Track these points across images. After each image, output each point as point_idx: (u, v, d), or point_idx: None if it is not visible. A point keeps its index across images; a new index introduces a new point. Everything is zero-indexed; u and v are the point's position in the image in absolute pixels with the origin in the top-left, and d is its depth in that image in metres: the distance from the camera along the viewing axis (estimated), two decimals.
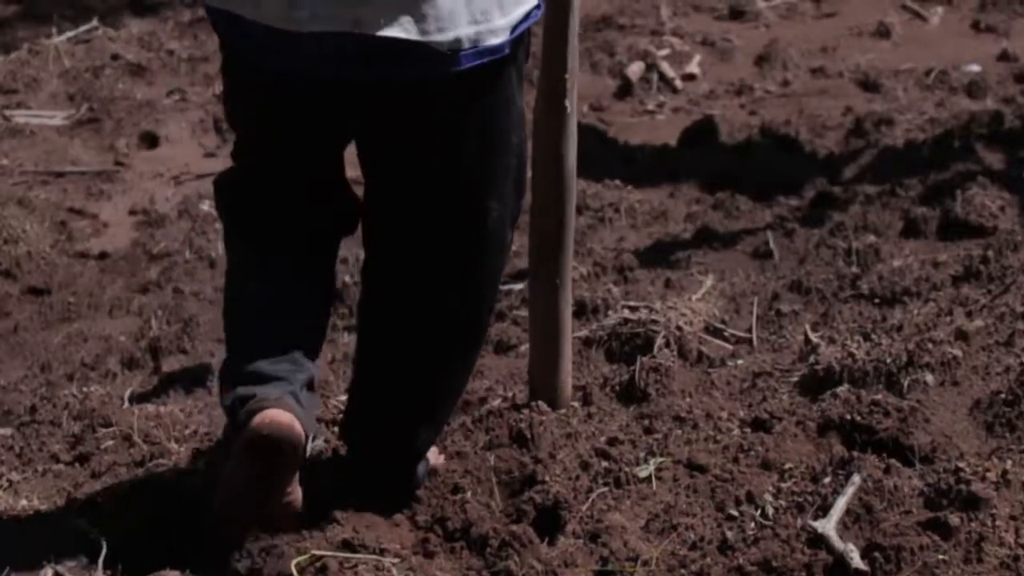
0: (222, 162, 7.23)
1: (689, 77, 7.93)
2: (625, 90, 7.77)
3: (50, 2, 9.52)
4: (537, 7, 2.75)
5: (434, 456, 3.08)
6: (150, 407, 4.13)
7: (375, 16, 2.56)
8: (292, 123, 2.77)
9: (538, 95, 3.40)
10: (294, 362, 2.77)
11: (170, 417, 3.78)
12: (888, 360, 3.25)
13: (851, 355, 3.31)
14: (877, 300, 4.23)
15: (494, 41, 2.66)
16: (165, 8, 9.33)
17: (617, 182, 6.55)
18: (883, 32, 8.34)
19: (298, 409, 2.67)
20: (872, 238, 4.96)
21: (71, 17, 9.00)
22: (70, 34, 8.40)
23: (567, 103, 3.38)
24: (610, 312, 4.30)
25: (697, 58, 8.08)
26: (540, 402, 3.19)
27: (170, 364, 4.99)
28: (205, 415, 4.02)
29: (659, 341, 3.77)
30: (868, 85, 7.65)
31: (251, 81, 2.78)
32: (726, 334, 4.01)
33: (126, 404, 4.09)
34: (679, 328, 3.84)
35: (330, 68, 2.63)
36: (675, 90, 7.79)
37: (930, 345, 3.24)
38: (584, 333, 3.98)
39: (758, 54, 8.10)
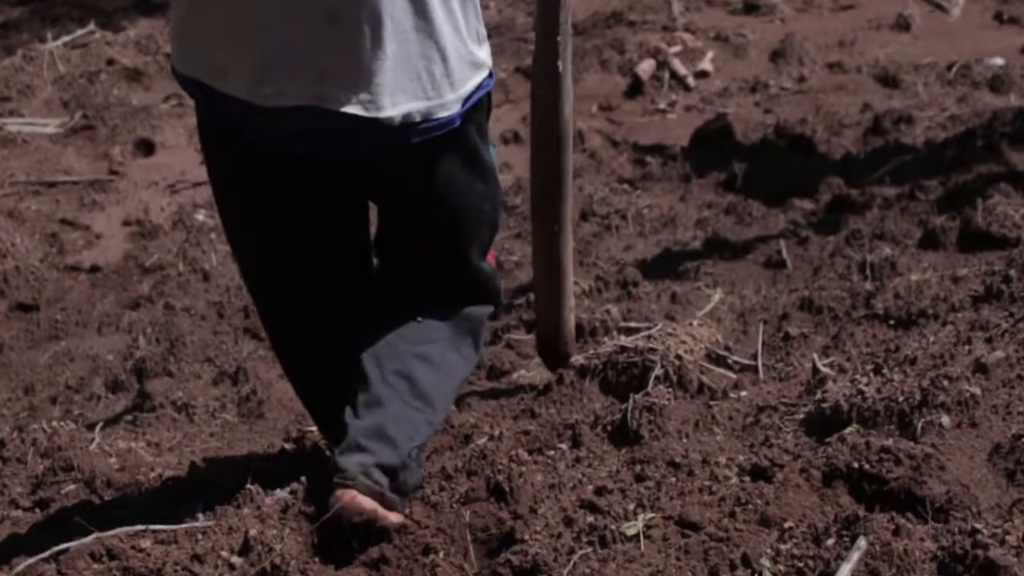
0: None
1: (702, 74, 7.69)
2: (635, 89, 7.54)
3: (57, 3, 9.32)
4: (489, 76, 2.90)
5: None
6: (121, 443, 3.93)
7: (335, 93, 2.71)
8: (270, 189, 2.88)
9: (535, 55, 3.63)
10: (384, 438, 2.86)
11: (136, 458, 3.56)
12: (900, 399, 2.99)
13: (860, 392, 3.06)
14: (892, 322, 3.98)
15: (444, 114, 2.80)
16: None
17: (625, 186, 6.33)
18: (903, 25, 8.09)
19: (381, 490, 2.76)
20: (888, 250, 4.71)
21: (78, 18, 8.80)
22: (66, 38, 8.19)
23: (559, 64, 3.53)
24: (608, 336, 4.07)
25: (710, 54, 7.84)
26: (520, 450, 2.95)
27: (154, 387, 4.78)
28: (176, 453, 3.82)
29: (657, 372, 3.54)
30: (887, 80, 7.40)
31: (228, 150, 2.88)
32: (730, 361, 3.77)
33: (96, 440, 3.87)
34: (678, 357, 3.60)
35: (294, 141, 2.77)
36: (687, 88, 7.56)
37: (945, 382, 2.99)
38: (579, 361, 3.74)
39: (773, 49, 7.87)
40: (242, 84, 2.71)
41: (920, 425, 2.93)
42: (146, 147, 7.10)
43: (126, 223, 6.52)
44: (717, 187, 6.32)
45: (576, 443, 3.17)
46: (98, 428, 4.00)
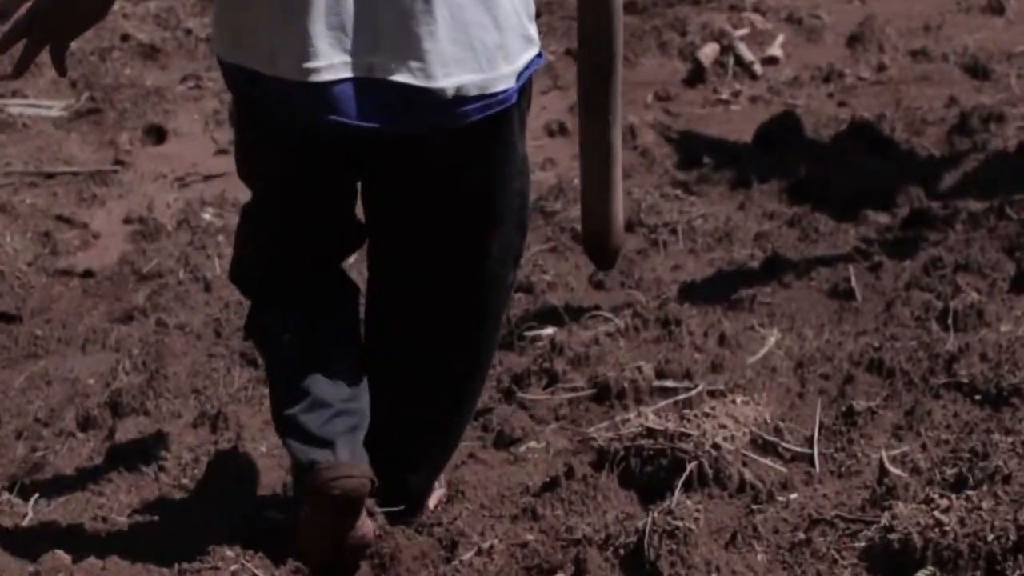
0: (234, 160, 6.44)
1: (770, 61, 7.02)
2: (696, 76, 6.88)
3: None
4: (539, 55, 2.82)
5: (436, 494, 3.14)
6: (60, 516, 3.37)
7: (386, 61, 2.63)
8: (310, 171, 2.82)
9: None
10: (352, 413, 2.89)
11: (56, 563, 2.94)
12: (989, 537, 2.35)
13: (939, 523, 2.41)
14: (978, 396, 3.30)
15: (499, 88, 2.71)
16: None
17: (679, 192, 5.66)
18: (996, 7, 7.40)
19: (361, 465, 2.80)
20: (974, 295, 4.03)
21: None
22: None
23: None
24: (638, 403, 3.44)
25: (780, 38, 7.16)
26: None
27: (127, 428, 4.21)
28: (121, 536, 3.23)
29: (690, 467, 2.89)
30: (976, 71, 6.73)
31: (270, 134, 2.80)
32: (780, 449, 3.11)
33: (28, 515, 3.30)
34: (716, 446, 2.95)
35: (346, 115, 2.68)
36: (754, 76, 6.89)
37: None
38: (598, 441, 3.11)
39: (851, 33, 7.19)
40: (291, 64, 2.65)
41: None
42: (157, 134, 6.51)
43: (127, 221, 5.93)
44: (781, 194, 5.65)
45: (579, 570, 2.54)
46: (32, 503, 3.41)
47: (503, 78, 2.71)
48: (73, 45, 7.31)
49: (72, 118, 6.59)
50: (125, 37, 7.21)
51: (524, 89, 2.81)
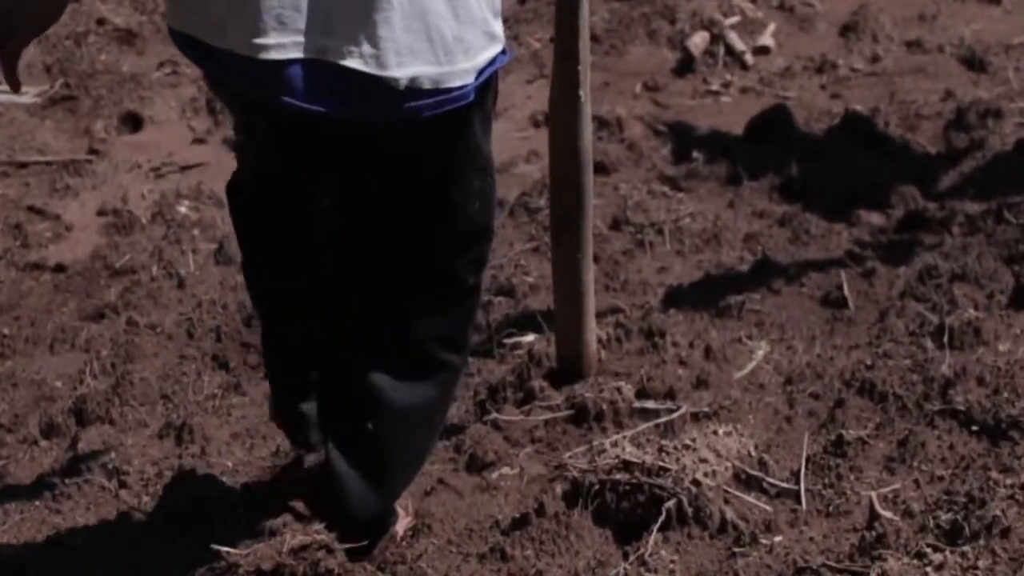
0: (211, 149, 6.28)
1: (762, 50, 6.84)
2: (686, 66, 6.69)
3: None
4: (503, 52, 2.72)
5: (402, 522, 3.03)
6: (8, 536, 3.24)
7: (338, 45, 2.57)
8: (267, 141, 2.83)
9: (553, 82, 3.60)
10: None
11: None
12: None
13: None
14: (975, 427, 3.15)
15: (457, 83, 2.62)
16: None
17: (666, 189, 5.50)
18: None
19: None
20: (971, 311, 3.88)
21: None
22: None
23: (581, 92, 3.56)
24: (617, 425, 3.30)
25: (772, 27, 6.99)
26: None
27: (90, 438, 4.06)
28: (61, 569, 3.10)
29: (666, 509, 2.74)
30: (973, 63, 6.57)
31: (229, 99, 2.91)
32: (764, 484, 2.96)
33: None
34: (696, 483, 2.80)
35: (294, 97, 2.62)
36: (744, 66, 6.70)
37: None
38: (572, 474, 2.96)
39: (844, 23, 7.01)
40: (241, 38, 2.57)
41: None
42: (133, 122, 6.32)
43: (101, 212, 5.75)
44: (772, 191, 5.49)
45: None
46: None
47: (461, 73, 2.62)
48: (48, 30, 7.11)
49: (46, 105, 6.41)
50: (101, 21, 7.01)
51: (487, 86, 2.73)
